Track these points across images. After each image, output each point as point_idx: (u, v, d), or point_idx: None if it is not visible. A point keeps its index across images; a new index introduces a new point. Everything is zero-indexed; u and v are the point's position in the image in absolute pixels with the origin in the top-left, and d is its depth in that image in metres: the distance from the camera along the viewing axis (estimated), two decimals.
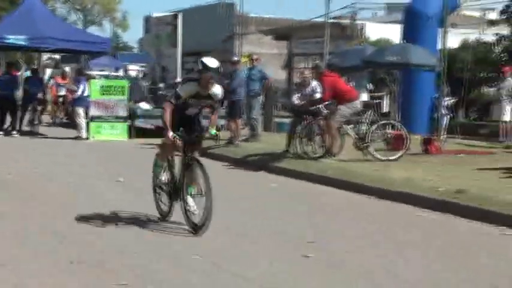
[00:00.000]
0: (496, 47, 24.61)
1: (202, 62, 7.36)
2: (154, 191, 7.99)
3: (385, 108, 18.29)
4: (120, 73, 31.48)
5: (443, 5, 15.98)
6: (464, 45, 25.10)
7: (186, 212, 7.35)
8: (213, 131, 7.63)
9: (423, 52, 16.23)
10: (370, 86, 20.44)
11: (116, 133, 18.60)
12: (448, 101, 17.28)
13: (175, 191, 7.57)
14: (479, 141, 17.09)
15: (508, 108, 16.44)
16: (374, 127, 13.16)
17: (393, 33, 25.00)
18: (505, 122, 16.60)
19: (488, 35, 25.44)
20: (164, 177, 7.79)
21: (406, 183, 10.17)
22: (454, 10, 19.35)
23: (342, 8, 22.28)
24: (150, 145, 16.77)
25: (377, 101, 18.22)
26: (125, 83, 19.64)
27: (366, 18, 31.86)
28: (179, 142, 7.34)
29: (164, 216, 7.80)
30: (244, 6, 35.51)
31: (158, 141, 17.04)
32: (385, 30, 28.61)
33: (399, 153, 12.93)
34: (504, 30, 24.65)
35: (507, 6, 23.77)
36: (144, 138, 17.93)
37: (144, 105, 20.35)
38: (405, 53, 16.13)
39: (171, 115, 7.41)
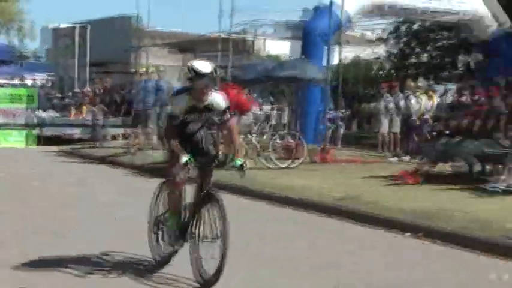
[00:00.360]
0: (378, 65, 25.64)
1: (192, 67, 5.38)
2: (153, 229, 5.98)
3: (285, 119, 18.56)
4: (28, 82, 30.52)
5: (330, 24, 16.45)
6: (354, 62, 25.86)
7: (195, 260, 5.46)
8: (238, 161, 5.56)
9: (314, 67, 16.62)
10: (271, 98, 20.74)
11: (23, 140, 18.05)
12: (338, 113, 17.75)
13: (183, 230, 5.62)
14: (365, 151, 17.56)
15: (386, 121, 16.93)
16: (274, 137, 13.39)
17: (291, 49, 25.51)
18: (383, 134, 17.06)
19: (375, 53, 26.38)
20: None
21: (304, 190, 10.36)
22: (342, 29, 19.71)
23: (236, 24, 22.37)
24: (55, 152, 16.48)
25: (277, 112, 18.49)
26: (33, 92, 19.15)
27: (266, 34, 32.35)
28: (191, 168, 5.40)
29: (162, 263, 5.84)
30: (148, 19, 35.21)
31: (68, 148, 16.96)
32: (283, 46, 29.06)
33: (297, 162, 13.19)
34: (392, 48, 25.59)
35: (397, 28, 24.66)
36: (53, 145, 17.58)
37: (52, 114, 19.90)
38: (299, 67, 16.45)
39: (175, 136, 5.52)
